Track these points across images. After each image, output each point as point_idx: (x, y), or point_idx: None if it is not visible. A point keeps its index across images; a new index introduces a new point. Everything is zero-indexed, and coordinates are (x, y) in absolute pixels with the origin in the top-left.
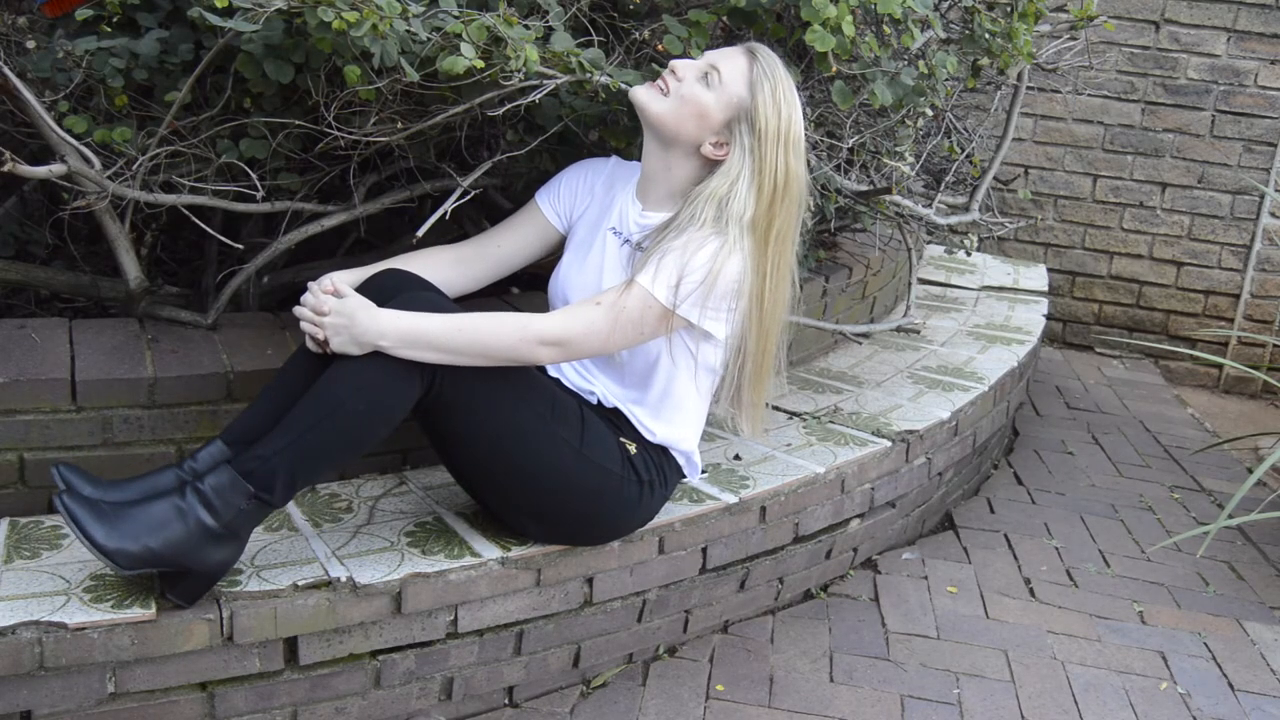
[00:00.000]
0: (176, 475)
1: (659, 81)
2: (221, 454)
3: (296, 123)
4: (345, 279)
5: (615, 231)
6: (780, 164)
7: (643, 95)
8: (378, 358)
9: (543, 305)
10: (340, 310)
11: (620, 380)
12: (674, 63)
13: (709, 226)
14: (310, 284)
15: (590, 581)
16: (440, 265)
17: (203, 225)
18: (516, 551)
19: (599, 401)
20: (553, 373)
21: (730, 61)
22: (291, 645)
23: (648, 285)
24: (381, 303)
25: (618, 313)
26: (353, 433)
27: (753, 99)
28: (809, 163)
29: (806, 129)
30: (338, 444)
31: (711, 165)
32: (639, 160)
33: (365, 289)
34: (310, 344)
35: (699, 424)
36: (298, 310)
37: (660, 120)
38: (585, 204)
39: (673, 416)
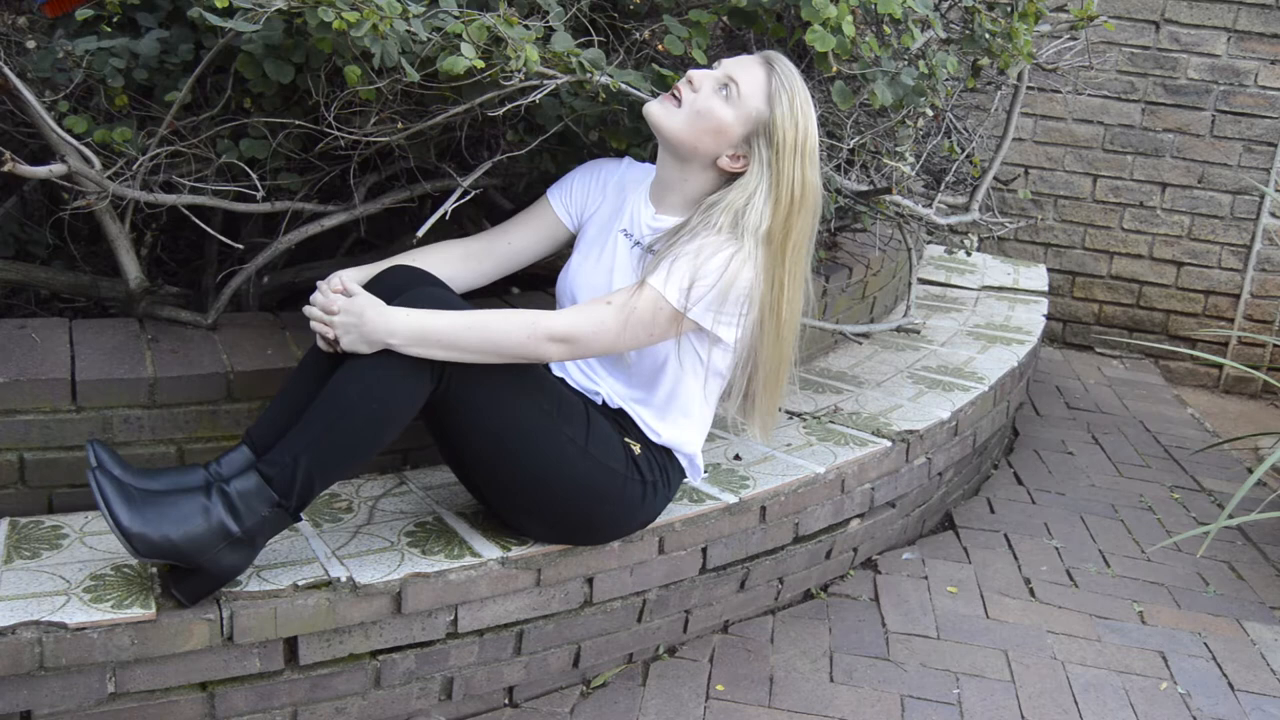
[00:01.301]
0: (204, 475)
1: (672, 91)
2: (246, 460)
3: (296, 123)
4: (354, 277)
5: (626, 234)
6: (797, 176)
7: (656, 111)
8: (387, 357)
9: (543, 305)
10: (349, 309)
11: (627, 381)
12: (691, 72)
13: (724, 233)
14: (319, 283)
15: (590, 581)
16: (449, 260)
17: (203, 225)
18: (516, 551)
19: (604, 402)
20: (558, 372)
21: (748, 73)
22: (291, 645)
23: (660, 287)
24: (390, 299)
25: (628, 313)
26: (366, 433)
27: (771, 113)
28: None
29: None
30: (352, 445)
31: (728, 176)
32: (650, 161)
33: (373, 286)
34: (321, 343)
35: (704, 427)
36: (307, 310)
37: (676, 137)
38: (596, 204)
39: (678, 419)
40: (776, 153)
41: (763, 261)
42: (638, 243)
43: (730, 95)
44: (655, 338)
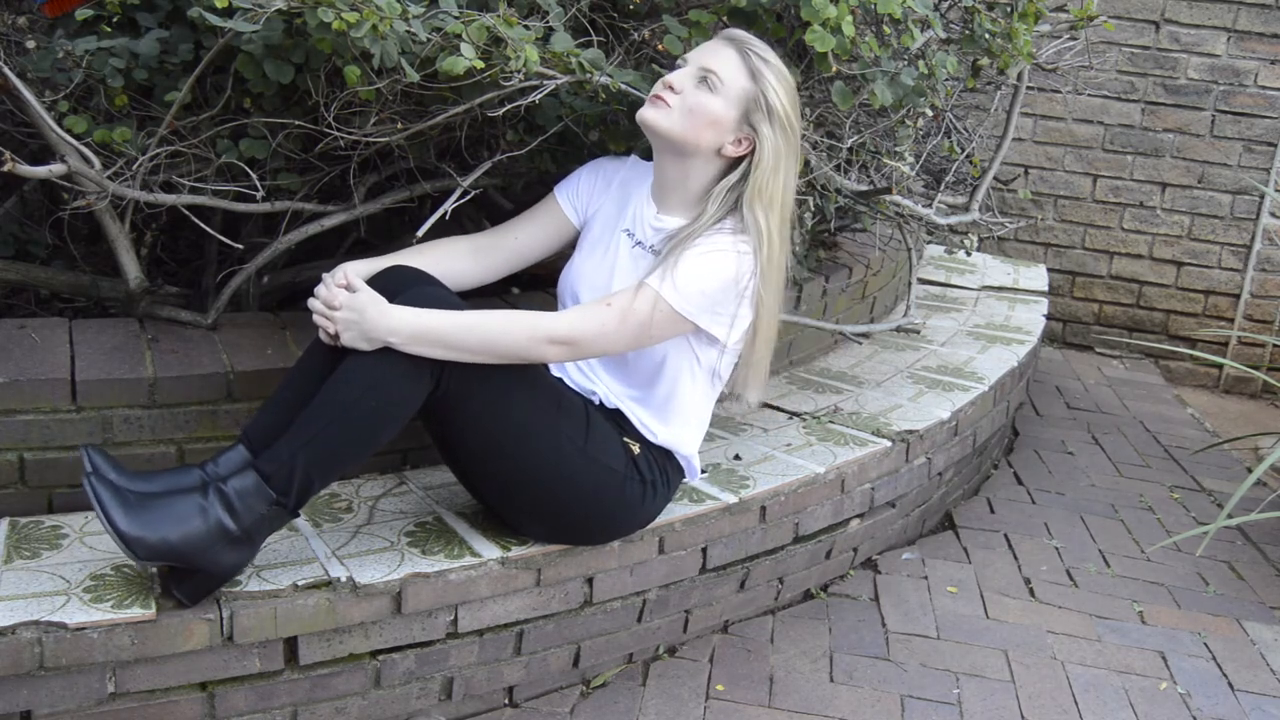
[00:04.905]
0: (200, 475)
1: (656, 97)
2: (243, 459)
3: (296, 123)
4: (358, 269)
5: (629, 234)
6: (797, 132)
7: (651, 115)
8: (387, 355)
9: (542, 305)
10: (351, 305)
11: (625, 381)
12: (668, 77)
13: (726, 230)
14: (324, 275)
15: (590, 581)
16: (457, 256)
17: (203, 225)
18: (516, 551)
19: (601, 402)
20: (555, 372)
21: (720, 58)
22: (291, 645)
23: (657, 287)
24: (389, 298)
25: (628, 315)
26: (365, 431)
27: (758, 86)
28: (809, 162)
29: (806, 129)
30: (351, 443)
31: (730, 163)
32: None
33: (373, 284)
34: (323, 335)
35: (701, 428)
36: (310, 303)
37: (674, 135)
38: (601, 202)
39: (676, 419)
40: (781, 121)
41: (774, 233)
42: (639, 243)
43: (713, 84)
44: (655, 338)
